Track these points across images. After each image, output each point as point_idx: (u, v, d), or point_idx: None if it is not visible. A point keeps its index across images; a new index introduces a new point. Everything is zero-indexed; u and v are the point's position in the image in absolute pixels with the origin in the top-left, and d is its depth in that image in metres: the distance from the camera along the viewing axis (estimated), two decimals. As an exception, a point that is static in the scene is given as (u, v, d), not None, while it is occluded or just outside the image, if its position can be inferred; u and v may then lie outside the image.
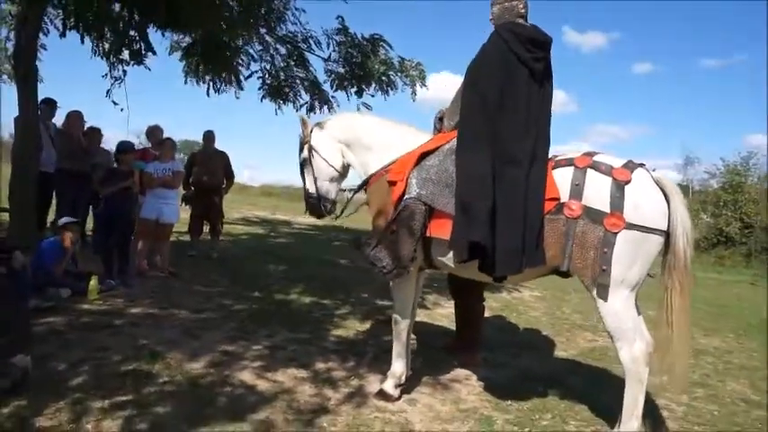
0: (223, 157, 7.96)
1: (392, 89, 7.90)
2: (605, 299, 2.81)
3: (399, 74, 7.70)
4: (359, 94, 8.20)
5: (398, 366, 3.50)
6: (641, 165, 2.95)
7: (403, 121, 3.79)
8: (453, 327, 5.36)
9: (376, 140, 3.62)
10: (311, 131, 3.83)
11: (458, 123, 3.22)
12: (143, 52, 6.18)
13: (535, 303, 7.23)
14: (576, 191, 2.83)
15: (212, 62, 7.31)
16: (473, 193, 2.87)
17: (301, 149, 3.88)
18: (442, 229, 3.11)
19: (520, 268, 2.83)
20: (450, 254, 3.14)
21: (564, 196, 2.85)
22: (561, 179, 2.90)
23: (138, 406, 2.91)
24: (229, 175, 8.07)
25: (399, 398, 3.41)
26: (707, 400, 4.09)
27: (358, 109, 8.20)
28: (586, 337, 5.75)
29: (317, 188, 3.81)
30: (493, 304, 6.77)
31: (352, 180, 3.99)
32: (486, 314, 5.19)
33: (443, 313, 5.94)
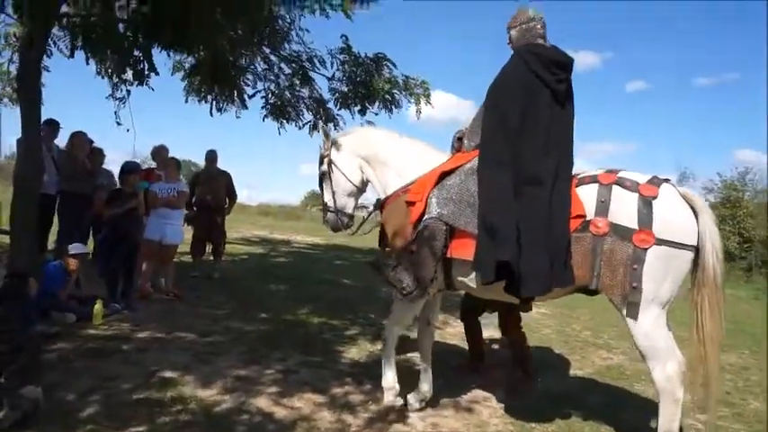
0: (226, 177, 7.89)
1: (396, 107, 7.89)
2: (636, 317, 2.73)
3: (403, 92, 7.69)
4: (362, 112, 8.17)
5: (388, 378, 3.52)
6: (666, 180, 2.90)
7: (417, 138, 3.76)
8: (463, 347, 5.31)
9: (394, 157, 3.59)
10: (331, 146, 3.79)
11: (479, 144, 3.18)
12: (146, 72, 6.13)
13: (545, 321, 7.14)
14: (602, 207, 2.78)
15: (217, 81, 7.27)
16: (497, 212, 2.82)
17: (321, 163, 3.85)
18: (463, 250, 3.04)
19: (549, 288, 2.76)
20: (473, 275, 3.08)
21: (590, 213, 2.80)
22: (586, 196, 2.85)
23: (154, 437, 2.79)
24: (232, 195, 7.99)
25: (398, 407, 3.39)
26: (732, 419, 4.00)
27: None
28: (601, 354, 5.66)
29: (335, 202, 3.76)
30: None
31: (371, 195, 3.99)
32: (495, 333, 5.16)
33: (453, 332, 5.84)
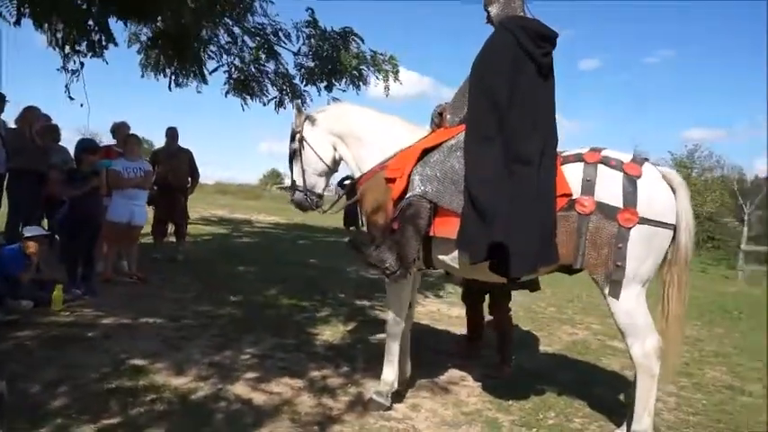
0: (187, 155, 7.59)
1: (364, 84, 7.74)
2: (617, 296, 2.78)
3: (372, 68, 7.54)
4: (329, 88, 8.00)
5: (390, 373, 3.37)
6: (646, 159, 2.94)
7: (395, 115, 3.68)
8: (435, 327, 5.35)
9: (371, 134, 3.48)
10: (304, 122, 3.66)
11: (464, 119, 3.12)
12: (104, 43, 5.75)
13: (511, 298, 7.25)
14: (588, 187, 2.79)
15: (176, 54, 6.92)
16: (488, 191, 2.77)
17: (292, 140, 3.71)
18: (447, 228, 3.00)
19: (536, 268, 2.76)
20: (455, 253, 3.05)
21: (575, 192, 2.80)
22: (571, 175, 2.84)
23: (128, 429, 2.67)
24: (194, 173, 7.70)
25: (391, 406, 3.27)
26: (693, 389, 4.19)
27: (328, 104, 8.00)
28: (566, 330, 5.82)
29: (304, 181, 3.64)
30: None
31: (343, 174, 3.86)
32: (462, 311, 5.16)
33: (423, 312, 5.86)
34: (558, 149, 2.98)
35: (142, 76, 7.98)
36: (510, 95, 2.86)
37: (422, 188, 3.01)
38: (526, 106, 2.89)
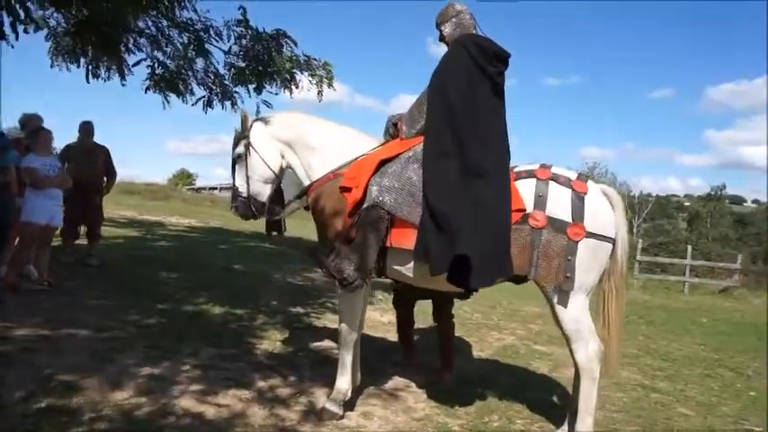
0: (103, 152, 7.09)
1: (296, 87, 7.64)
2: (566, 305, 2.97)
3: (305, 72, 7.46)
4: (258, 90, 7.80)
5: (343, 383, 3.36)
6: (588, 177, 3.19)
7: (347, 125, 3.69)
8: (372, 334, 5.38)
9: (322, 142, 3.47)
10: (251, 127, 3.56)
11: (421, 131, 3.19)
12: (26, 22, 5.16)
13: (438, 304, 7.44)
14: (540, 202, 2.96)
15: (98, 44, 6.42)
16: (448, 204, 2.85)
17: (236, 144, 3.60)
18: (404, 239, 3.05)
19: (494, 280, 2.88)
20: (411, 264, 3.11)
21: (529, 207, 2.96)
22: (525, 191, 3.00)
23: (70, 451, 2.45)
24: (111, 172, 7.21)
25: (343, 415, 3.27)
26: (613, 388, 4.54)
27: (257, 107, 7.83)
28: (494, 336, 6.08)
29: (248, 188, 3.54)
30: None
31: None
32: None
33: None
34: (514, 165, 3.15)
35: (52, 66, 7.33)
36: (466, 111, 2.98)
37: (380, 198, 3.05)
38: (481, 122, 3.02)
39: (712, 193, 40.12)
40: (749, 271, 15.61)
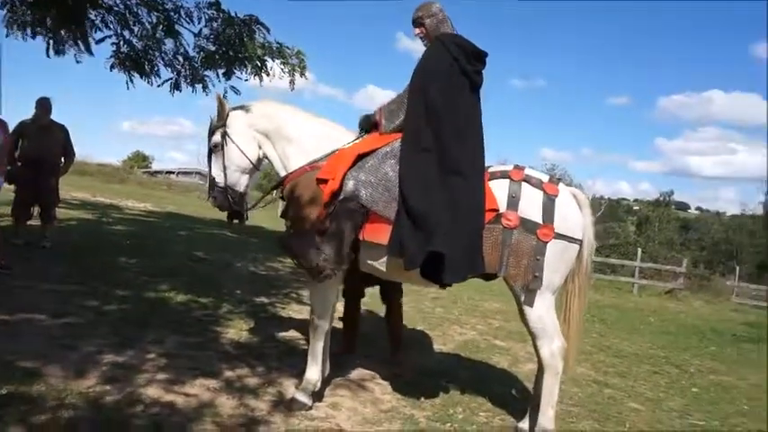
0: (62, 130, 6.81)
1: (267, 75, 7.53)
2: (532, 304, 3.08)
3: (276, 59, 7.36)
4: (227, 75, 7.65)
5: (313, 373, 3.37)
6: (560, 179, 3.30)
7: (324, 117, 3.69)
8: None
9: (299, 133, 3.47)
10: (227, 116, 3.52)
11: (399, 127, 3.23)
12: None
13: (401, 298, 7.53)
14: (513, 202, 3.05)
15: (61, 16, 6.13)
16: (424, 200, 2.91)
17: (212, 133, 3.55)
18: (378, 234, 3.09)
19: (466, 276, 2.96)
20: (384, 259, 3.15)
21: (502, 207, 3.05)
22: (498, 191, 3.09)
23: (34, 440, 2.38)
24: (69, 151, 6.92)
25: (312, 406, 3.29)
26: (569, 383, 4.71)
27: (225, 92, 7.68)
28: (456, 330, 6.21)
29: (225, 178, 3.51)
30: (362, 299, 6.92)
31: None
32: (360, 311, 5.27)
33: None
34: (488, 165, 3.23)
35: (7, 35, 6.97)
36: (446, 108, 3.05)
37: (356, 192, 3.08)
38: (460, 120, 3.09)
39: (661, 198, 41.85)
40: (693, 274, 16.44)
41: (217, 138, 3.52)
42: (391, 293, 4.31)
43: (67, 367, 3.19)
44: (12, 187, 6.49)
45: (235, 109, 3.59)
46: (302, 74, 7.41)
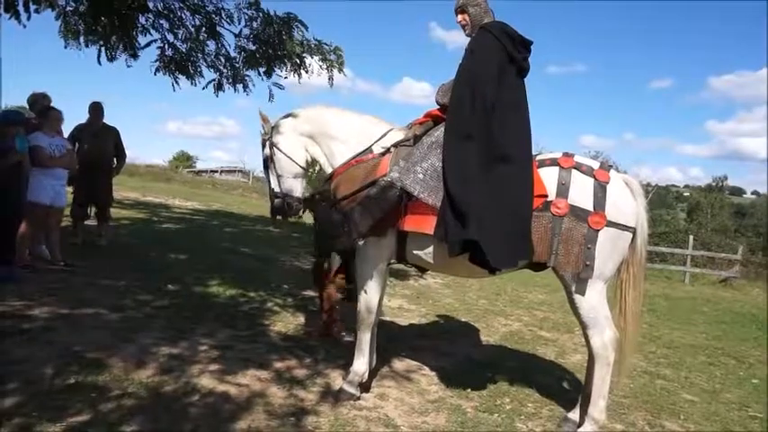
0: (113, 133, 7.09)
1: (306, 72, 7.62)
2: (583, 293, 3.02)
3: (315, 56, 7.43)
4: (268, 74, 7.77)
5: (360, 364, 3.42)
6: (611, 166, 3.22)
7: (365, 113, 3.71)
8: (393, 318, 5.45)
9: (342, 130, 3.51)
10: (272, 127, 3.60)
11: (446, 113, 3.20)
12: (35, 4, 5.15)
13: (443, 290, 7.54)
14: (563, 190, 3.00)
15: (111, 25, 6.38)
16: (467, 189, 2.89)
17: (263, 146, 3.65)
18: (423, 224, 3.09)
19: (515, 262, 2.93)
20: (431, 249, 3.16)
21: (551, 194, 3.00)
22: (547, 178, 3.04)
23: (102, 426, 2.52)
24: (121, 153, 7.21)
25: (360, 396, 3.34)
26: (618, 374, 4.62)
27: (269, 90, 7.83)
28: (500, 321, 6.16)
29: (280, 186, 3.59)
30: (405, 292, 6.96)
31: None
32: (405, 303, 5.32)
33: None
34: (536, 152, 3.19)
35: (66, 47, 7.29)
36: (495, 96, 3.01)
37: (399, 180, 3.07)
38: (508, 108, 3.05)
39: (713, 184, 40.19)
40: (749, 262, 15.71)
41: (267, 150, 3.62)
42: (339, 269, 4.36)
43: (127, 358, 3.35)
44: (69, 189, 6.81)
45: (283, 118, 3.66)
46: (340, 69, 7.43)
